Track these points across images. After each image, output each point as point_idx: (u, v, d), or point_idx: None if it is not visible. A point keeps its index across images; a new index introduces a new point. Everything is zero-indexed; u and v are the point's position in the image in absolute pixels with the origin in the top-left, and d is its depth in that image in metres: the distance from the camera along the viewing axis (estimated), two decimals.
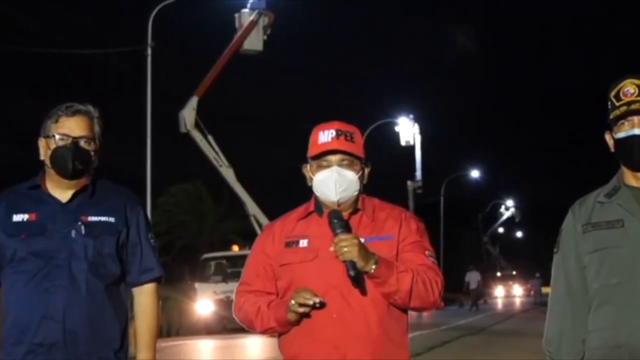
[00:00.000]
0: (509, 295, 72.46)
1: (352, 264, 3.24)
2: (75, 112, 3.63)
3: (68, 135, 3.58)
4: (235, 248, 31.79)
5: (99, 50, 30.39)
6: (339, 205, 3.42)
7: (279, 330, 3.43)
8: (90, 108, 3.68)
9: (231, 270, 28.99)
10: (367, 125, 38.36)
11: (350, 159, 3.43)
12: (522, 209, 79.33)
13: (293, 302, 3.27)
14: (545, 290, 54.21)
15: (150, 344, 3.69)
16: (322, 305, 3.28)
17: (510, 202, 78.04)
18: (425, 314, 27.65)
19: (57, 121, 3.61)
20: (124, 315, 3.67)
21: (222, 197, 39.30)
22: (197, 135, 30.06)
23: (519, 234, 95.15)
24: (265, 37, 30.41)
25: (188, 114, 29.85)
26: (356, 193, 3.45)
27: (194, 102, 29.95)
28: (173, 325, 28.80)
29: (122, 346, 3.62)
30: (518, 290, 74.88)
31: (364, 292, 3.31)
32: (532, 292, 60.60)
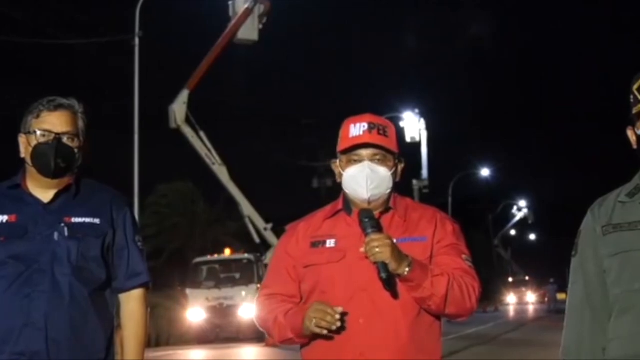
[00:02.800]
0: (521, 302, 72.50)
1: (384, 266, 3.23)
2: (58, 107, 3.62)
3: (50, 131, 3.58)
4: (229, 252, 31.78)
5: (83, 41, 30.39)
6: (369, 203, 3.42)
7: (298, 342, 3.42)
8: (74, 102, 3.67)
9: (224, 275, 29.03)
10: None
11: (383, 154, 3.43)
12: (536, 210, 79.39)
13: (313, 322, 3.24)
14: (560, 296, 54.26)
15: (138, 353, 3.68)
16: (344, 314, 3.25)
17: (523, 203, 78.11)
18: None
19: (38, 116, 3.60)
20: (110, 323, 3.67)
21: (215, 198, 39.28)
22: (188, 131, 30.09)
23: (532, 237, 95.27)
24: (260, 27, 30.43)
25: (178, 108, 29.87)
26: (388, 191, 3.46)
27: (184, 95, 29.97)
28: (162, 334, 28.82)
29: (108, 356, 3.62)
30: (531, 297, 74.90)
31: (395, 296, 3.31)
32: (546, 299, 60.56)
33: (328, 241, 3.45)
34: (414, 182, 43.28)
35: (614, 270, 3.11)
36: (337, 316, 3.22)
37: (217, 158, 30.70)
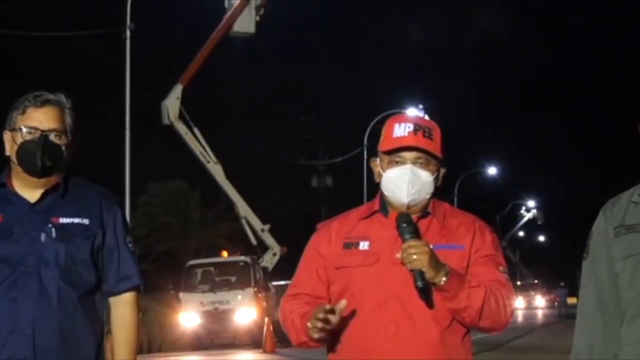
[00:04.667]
0: (530, 307, 72.57)
1: (421, 274, 3.23)
2: (45, 102, 3.61)
3: (36, 128, 3.57)
4: (225, 254, 31.80)
5: (71, 33, 30.38)
6: (408, 207, 3.42)
7: (314, 346, 3.42)
8: (62, 97, 3.66)
9: (220, 278, 29.03)
10: (371, 116, 38.39)
11: (426, 158, 3.43)
12: (545, 210, 79.44)
13: (309, 324, 3.26)
14: (570, 300, 54.33)
15: None
16: (333, 312, 3.24)
17: (531, 203, 78.17)
18: None
19: (24, 112, 3.60)
20: (100, 328, 3.67)
21: (210, 198, 39.29)
22: (181, 128, 30.13)
23: (542, 238, 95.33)
24: (257, 19, 30.45)
25: (171, 104, 29.90)
26: (428, 196, 3.46)
27: (178, 90, 30.00)
28: (154, 339, 28.86)
29: None
30: (540, 301, 75.00)
31: (429, 305, 3.31)
32: (556, 303, 60.72)
33: (362, 243, 3.45)
34: None
35: (627, 273, 3.11)
36: (333, 317, 3.21)
37: (212, 156, 30.71)
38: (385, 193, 3.47)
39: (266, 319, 24.24)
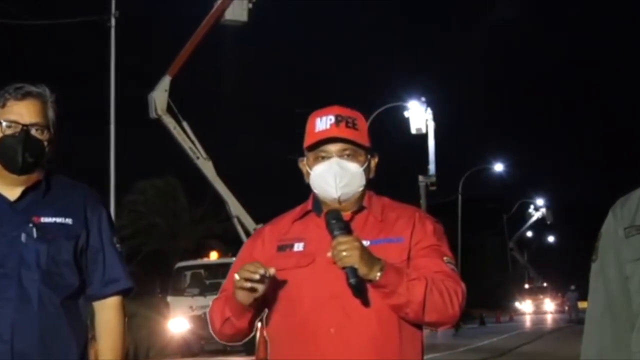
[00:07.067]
0: (538, 311, 72.65)
1: (353, 271, 3.24)
2: (26, 95, 3.62)
3: (17, 122, 3.58)
4: (215, 255, 31.80)
5: (52, 21, 30.33)
6: (340, 202, 3.44)
7: (236, 323, 3.46)
8: (44, 90, 3.67)
9: (210, 281, 29.02)
10: (371, 110, 38.41)
11: (352, 149, 3.45)
12: (555, 209, 79.43)
13: (237, 276, 3.27)
14: (581, 304, 54.32)
15: None
16: (268, 278, 3.26)
17: (540, 201, 78.15)
18: (439, 332, 27.72)
19: (4, 105, 3.60)
20: (83, 334, 3.68)
21: (200, 196, 39.28)
22: (169, 122, 30.06)
23: (551, 239, 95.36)
24: (250, 6, 30.41)
25: (159, 97, 29.84)
26: (360, 189, 3.48)
27: (166, 82, 29.94)
28: (141, 346, 28.81)
29: None
30: (550, 305, 75.05)
31: (366, 303, 3.32)
32: (566, 307, 60.71)
33: (296, 244, 3.47)
34: (420, 178, 43.16)
35: (637, 276, 3.11)
36: (262, 270, 3.22)
37: (202, 151, 30.67)
38: (315, 191, 3.50)
39: (259, 325, 24.23)
